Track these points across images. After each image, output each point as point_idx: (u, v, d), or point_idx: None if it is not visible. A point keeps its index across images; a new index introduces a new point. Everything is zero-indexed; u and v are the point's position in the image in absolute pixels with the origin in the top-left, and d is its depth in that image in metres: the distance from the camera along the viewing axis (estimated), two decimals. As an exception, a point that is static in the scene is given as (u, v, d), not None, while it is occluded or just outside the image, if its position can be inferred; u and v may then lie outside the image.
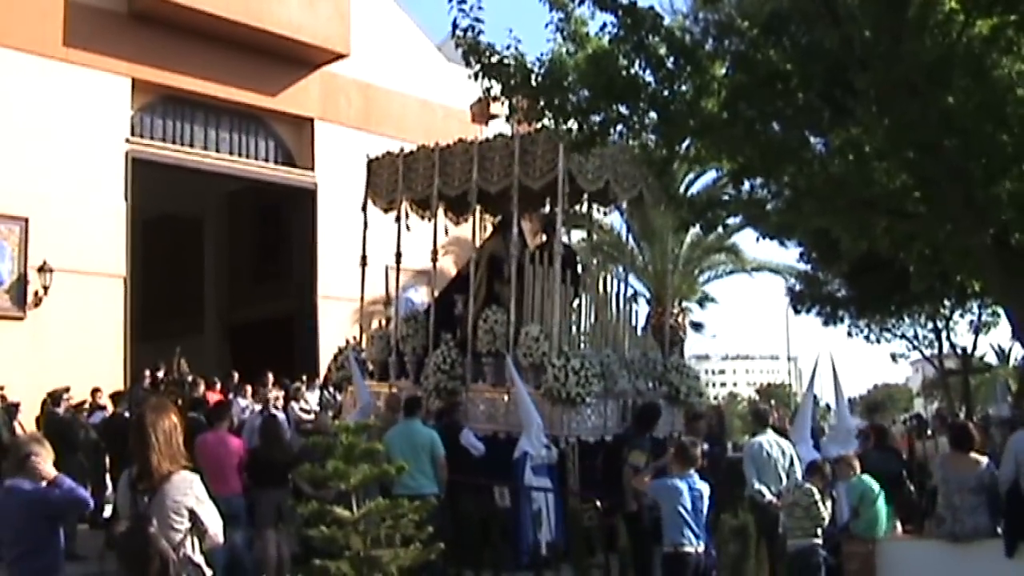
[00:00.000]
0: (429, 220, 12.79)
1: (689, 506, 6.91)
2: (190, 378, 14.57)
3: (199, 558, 4.37)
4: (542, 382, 10.34)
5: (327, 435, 6.76)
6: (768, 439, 8.78)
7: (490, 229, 13.17)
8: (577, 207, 13.11)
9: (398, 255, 12.88)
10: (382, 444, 7.00)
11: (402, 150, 12.79)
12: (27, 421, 12.14)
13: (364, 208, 13.08)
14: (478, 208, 12.46)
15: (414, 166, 12.49)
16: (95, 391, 13.19)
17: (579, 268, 12.19)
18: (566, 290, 11.10)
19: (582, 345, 11.34)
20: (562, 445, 10.11)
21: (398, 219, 12.78)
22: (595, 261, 14.18)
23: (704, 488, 7.11)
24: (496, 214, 13.02)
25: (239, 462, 9.13)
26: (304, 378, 15.07)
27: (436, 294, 13.17)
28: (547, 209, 12.44)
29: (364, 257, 13.10)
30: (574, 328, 11.49)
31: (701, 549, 6.96)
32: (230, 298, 22.46)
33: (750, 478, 8.47)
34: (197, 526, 4.34)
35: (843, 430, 10.75)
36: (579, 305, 11.75)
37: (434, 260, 12.89)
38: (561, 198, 10.96)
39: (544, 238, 12.27)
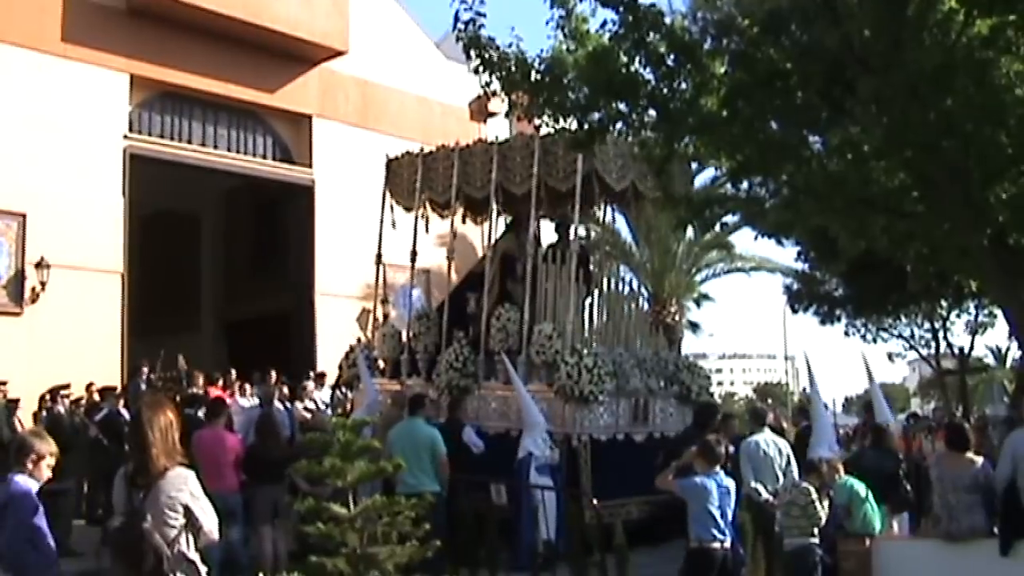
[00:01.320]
0: (445, 218, 12.80)
1: (717, 503, 6.96)
2: (187, 373, 14.56)
3: (194, 554, 4.36)
4: (555, 380, 10.35)
5: (324, 432, 6.75)
6: (765, 438, 8.78)
7: (502, 228, 13.18)
8: (596, 208, 13.14)
9: (413, 253, 12.94)
10: (382, 441, 6.97)
11: (422, 149, 12.84)
12: (24, 417, 12.12)
13: (383, 206, 13.05)
14: (496, 208, 12.48)
15: (434, 166, 12.53)
16: (90, 387, 13.17)
17: (591, 267, 12.21)
18: (579, 288, 11.11)
19: (594, 343, 11.35)
20: (575, 443, 10.11)
21: (417, 219, 12.81)
22: (599, 259, 14.19)
23: (730, 484, 7.17)
24: (512, 214, 13.04)
25: (235, 458, 9.12)
26: (311, 376, 15.03)
27: (449, 293, 13.16)
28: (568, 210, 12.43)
29: (379, 255, 13.14)
30: (587, 326, 11.51)
31: (728, 544, 7.02)
32: (227, 295, 22.41)
33: (747, 477, 8.46)
34: (192, 522, 4.34)
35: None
36: (591, 303, 11.76)
37: (449, 259, 12.94)
38: (578, 198, 10.97)
39: (556, 237, 12.27)
